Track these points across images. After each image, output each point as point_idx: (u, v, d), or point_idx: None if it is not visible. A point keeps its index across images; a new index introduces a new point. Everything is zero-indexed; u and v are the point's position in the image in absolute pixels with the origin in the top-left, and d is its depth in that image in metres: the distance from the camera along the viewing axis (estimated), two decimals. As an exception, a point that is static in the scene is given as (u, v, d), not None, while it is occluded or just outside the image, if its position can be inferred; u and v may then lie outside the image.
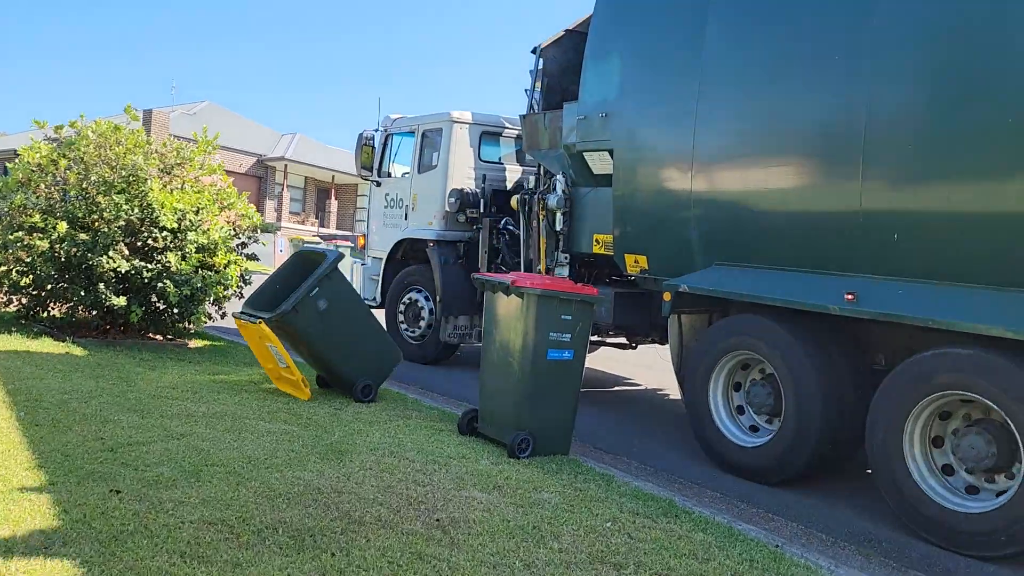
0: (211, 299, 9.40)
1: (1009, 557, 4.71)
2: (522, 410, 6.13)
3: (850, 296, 5.44)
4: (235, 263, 9.60)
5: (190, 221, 9.15)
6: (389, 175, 11.25)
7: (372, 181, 11.33)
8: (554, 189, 8.45)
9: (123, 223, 8.87)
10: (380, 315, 9.86)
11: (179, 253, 9.01)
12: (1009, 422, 4.67)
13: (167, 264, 8.94)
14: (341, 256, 7.39)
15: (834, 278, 5.64)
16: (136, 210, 8.95)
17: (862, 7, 5.47)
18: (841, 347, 5.90)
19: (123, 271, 8.77)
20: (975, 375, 4.78)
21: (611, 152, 7.43)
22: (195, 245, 9.02)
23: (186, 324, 9.69)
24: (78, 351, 8.46)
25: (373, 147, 11.03)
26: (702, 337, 6.83)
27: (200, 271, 9.09)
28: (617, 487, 5.44)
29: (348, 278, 8.16)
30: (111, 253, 8.70)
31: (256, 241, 10.40)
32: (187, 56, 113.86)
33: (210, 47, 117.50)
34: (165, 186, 9.27)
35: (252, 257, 10.42)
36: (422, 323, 10.30)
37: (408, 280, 10.49)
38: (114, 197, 8.85)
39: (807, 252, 5.92)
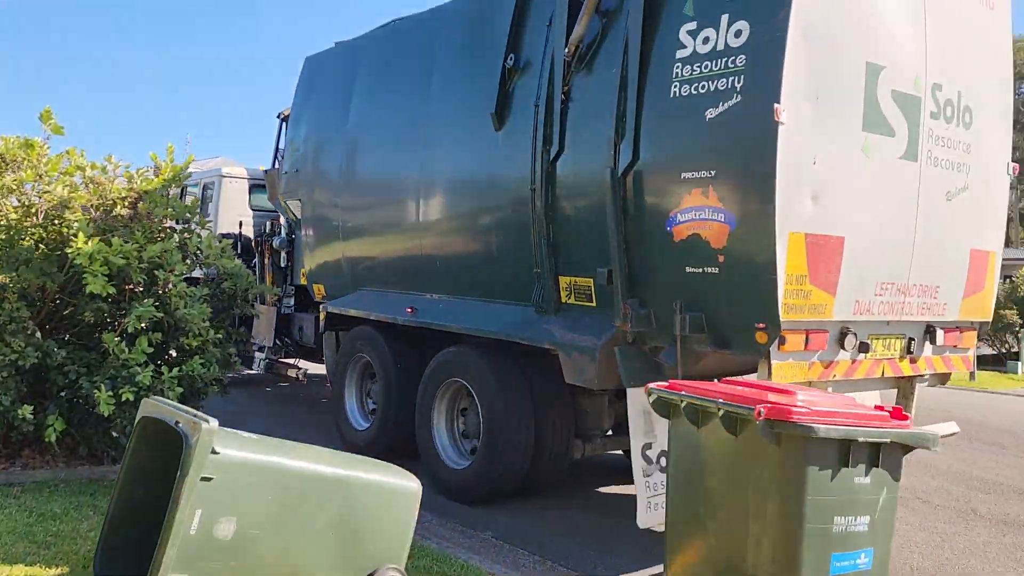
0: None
1: (480, 500, 6.22)
2: None
3: (409, 310, 7.06)
4: (216, 344, 6.33)
5: (140, 281, 5.87)
6: None
7: None
8: (278, 232, 10.68)
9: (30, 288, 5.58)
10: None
11: (116, 335, 5.70)
12: (476, 399, 6.27)
13: (101, 348, 5.68)
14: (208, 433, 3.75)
15: (404, 296, 7.33)
16: (53, 268, 5.67)
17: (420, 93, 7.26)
18: (414, 348, 7.25)
19: (28, 364, 5.47)
20: (458, 366, 6.54)
21: (300, 201, 8.85)
22: (144, 319, 5.68)
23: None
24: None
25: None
26: (341, 347, 8.29)
27: (152, 364, 5.76)
28: None
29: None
30: (6, 336, 5.41)
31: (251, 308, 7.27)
32: (204, 109, 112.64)
33: (227, 101, 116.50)
34: (101, 231, 5.96)
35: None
36: None
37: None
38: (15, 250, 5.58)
39: (396, 277, 7.55)
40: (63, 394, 5.88)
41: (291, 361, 10.55)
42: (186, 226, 6.61)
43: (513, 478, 6.14)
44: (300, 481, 3.83)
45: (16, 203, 5.92)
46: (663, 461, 4.98)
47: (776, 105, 4.44)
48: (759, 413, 2.85)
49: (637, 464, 5.13)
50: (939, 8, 5.23)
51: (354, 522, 3.93)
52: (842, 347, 4.99)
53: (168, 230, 6.44)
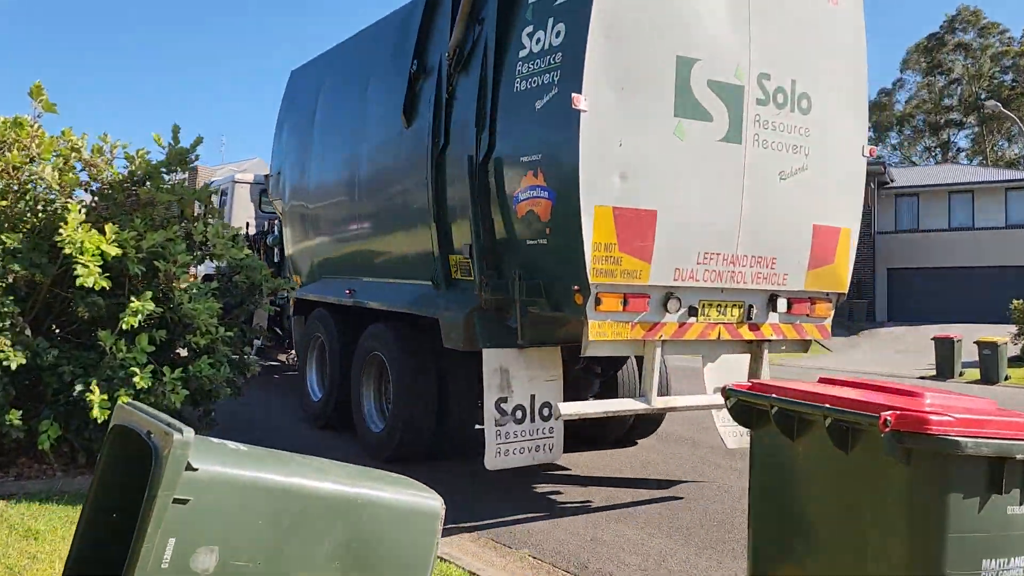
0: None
1: (394, 458, 6.87)
2: None
3: (348, 292, 8.12)
4: (227, 343, 5.76)
5: (138, 273, 5.30)
6: None
7: None
8: (272, 231, 12.16)
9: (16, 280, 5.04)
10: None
11: (114, 333, 5.14)
12: (388, 368, 7.15)
13: (99, 346, 5.12)
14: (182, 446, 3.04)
15: (349, 281, 8.38)
16: (42, 259, 5.12)
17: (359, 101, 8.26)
18: (353, 328, 8.13)
19: (15, 365, 4.94)
20: (377, 339, 7.45)
21: (281, 201, 10.20)
22: (141, 315, 5.09)
23: None
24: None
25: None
26: (304, 328, 9.53)
27: (155, 365, 5.18)
28: None
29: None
30: (-8, 333, 4.89)
31: (270, 301, 6.70)
32: (238, 112, 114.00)
33: (259, 101, 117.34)
34: (97, 219, 5.42)
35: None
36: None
37: None
38: (1, 237, 5.03)
39: (344, 266, 8.65)
40: (59, 397, 5.36)
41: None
42: (199, 216, 6.08)
43: (421, 438, 6.98)
44: (298, 502, 3.14)
45: (3, 187, 5.39)
46: (518, 414, 5.90)
47: (575, 95, 5.12)
48: (885, 422, 2.12)
49: (489, 415, 5.80)
50: (766, 6, 5.79)
51: (363, 550, 3.23)
52: (666, 310, 5.63)
53: (173, 219, 5.88)
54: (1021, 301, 20.58)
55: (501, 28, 5.98)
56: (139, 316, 5.14)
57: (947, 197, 33.24)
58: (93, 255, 4.92)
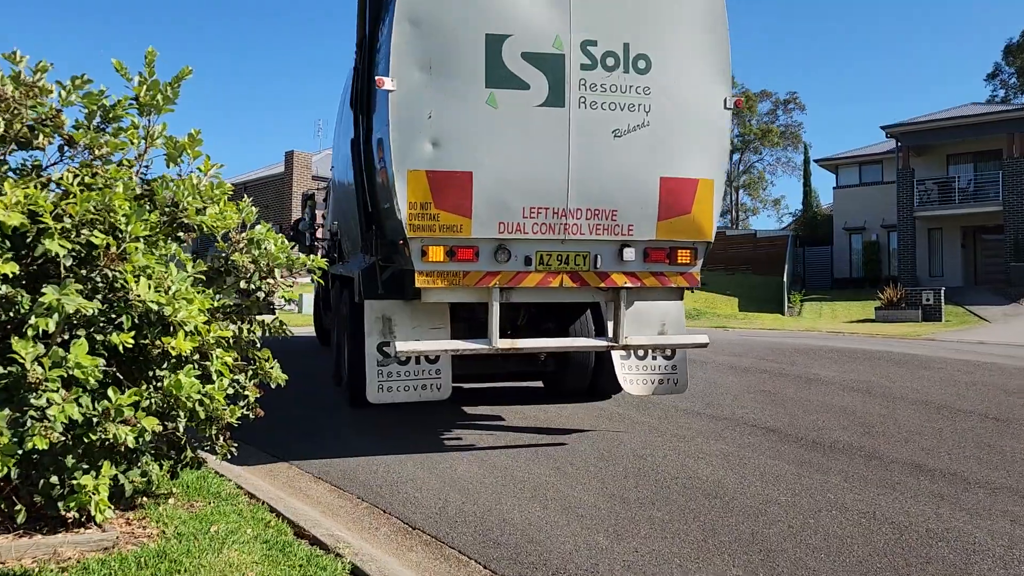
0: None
1: (351, 403, 8.34)
2: None
3: (341, 267, 9.88)
4: (228, 346, 4.19)
5: (61, 251, 3.55)
6: None
7: None
8: (303, 218, 15.28)
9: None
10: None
11: (29, 340, 3.47)
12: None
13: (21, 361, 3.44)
14: None
15: (350, 260, 9.46)
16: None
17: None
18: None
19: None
20: (337, 300, 9.84)
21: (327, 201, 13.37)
22: (59, 315, 3.41)
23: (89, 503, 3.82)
24: None
25: None
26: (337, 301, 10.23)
27: (113, 388, 3.58)
28: None
29: None
30: None
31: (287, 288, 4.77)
32: (334, 98, 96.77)
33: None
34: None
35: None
36: None
37: None
38: None
39: (355, 244, 8.76)
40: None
41: None
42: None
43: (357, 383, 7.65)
44: None
45: None
46: (401, 356, 6.56)
47: (378, 77, 5.97)
48: None
49: (371, 356, 6.71)
50: None
51: None
52: (496, 260, 6.24)
53: (127, 175, 3.96)
54: None
55: (372, 26, 6.89)
56: (56, 316, 3.46)
57: None
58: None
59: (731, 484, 5.94)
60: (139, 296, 3.56)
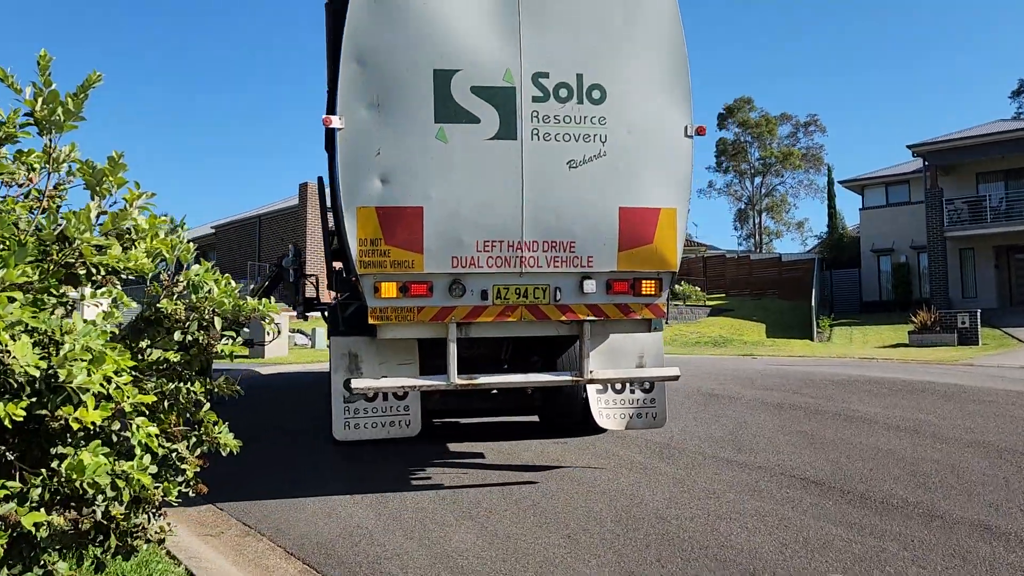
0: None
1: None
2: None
3: None
4: (150, 413, 3.44)
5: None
6: None
7: None
8: (287, 253, 13.46)
9: None
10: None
11: None
12: None
13: None
14: None
15: None
16: None
17: None
18: None
19: None
20: None
21: None
22: None
23: None
24: None
25: None
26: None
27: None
28: None
29: None
30: None
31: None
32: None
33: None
34: None
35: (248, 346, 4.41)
36: None
37: None
38: None
39: None
40: None
41: None
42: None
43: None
44: None
45: None
46: (370, 393, 6.56)
47: (325, 116, 5.99)
48: None
49: (337, 393, 6.66)
50: (541, 12, 6.21)
51: None
52: (452, 293, 6.14)
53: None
54: None
55: (335, 67, 6.38)
56: None
57: None
58: None
59: (771, 555, 5.05)
60: (16, 358, 2.80)
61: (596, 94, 6.31)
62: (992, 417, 9.50)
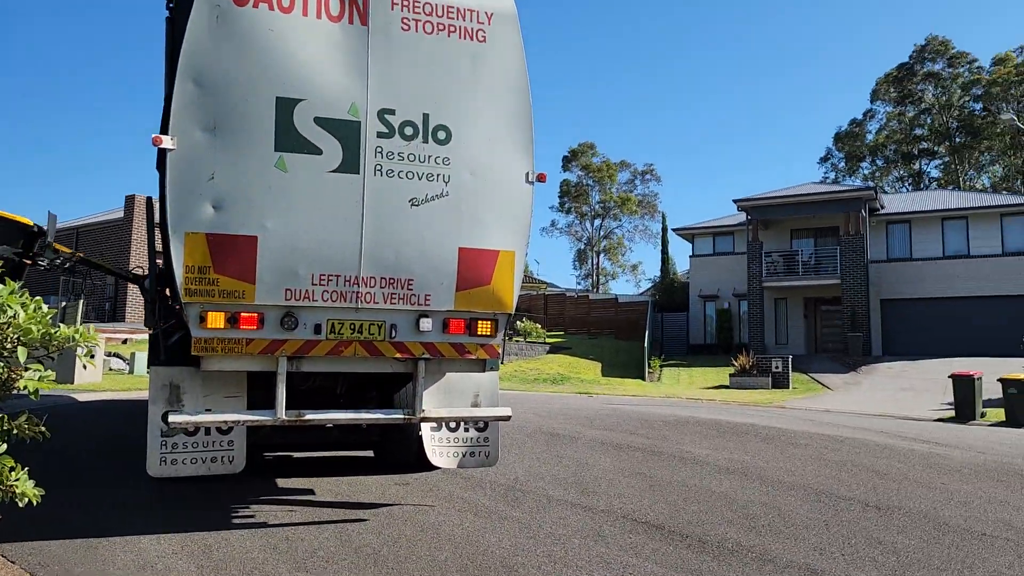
0: None
1: None
2: None
3: None
4: None
5: None
6: None
7: None
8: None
9: None
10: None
11: None
12: None
13: None
14: None
15: None
16: None
17: None
18: None
19: None
20: None
21: None
22: None
23: None
24: None
25: None
26: None
27: None
28: None
29: None
30: None
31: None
32: None
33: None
34: None
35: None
36: None
37: None
38: None
39: None
40: None
41: None
42: None
43: None
44: None
45: None
46: (189, 428, 6.26)
47: (155, 135, 5.68)
48: None
49: (153, 425, 6.27)
50: (390, 49, 6.17)
51: None
52: (284, 326, 5.93)
53: None
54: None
55: (171, 85, 6.19)
56: None
57: (940, 224, 31.63)
58: None
59: (617, 605, 4.96)
60: None
61: (442, 135, 6.32)
62: (809, 460, 10.10)
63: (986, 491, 8.60)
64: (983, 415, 16.69)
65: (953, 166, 57.74)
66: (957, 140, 56.54)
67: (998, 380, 16.48)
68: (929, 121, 58.29)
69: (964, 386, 16.58)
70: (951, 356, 27.55)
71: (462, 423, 7.32)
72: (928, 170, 60.31)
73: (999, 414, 16.60)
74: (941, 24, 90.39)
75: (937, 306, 30.69)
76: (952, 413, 17.17)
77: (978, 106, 55.83)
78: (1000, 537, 6.76)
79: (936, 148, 58.56)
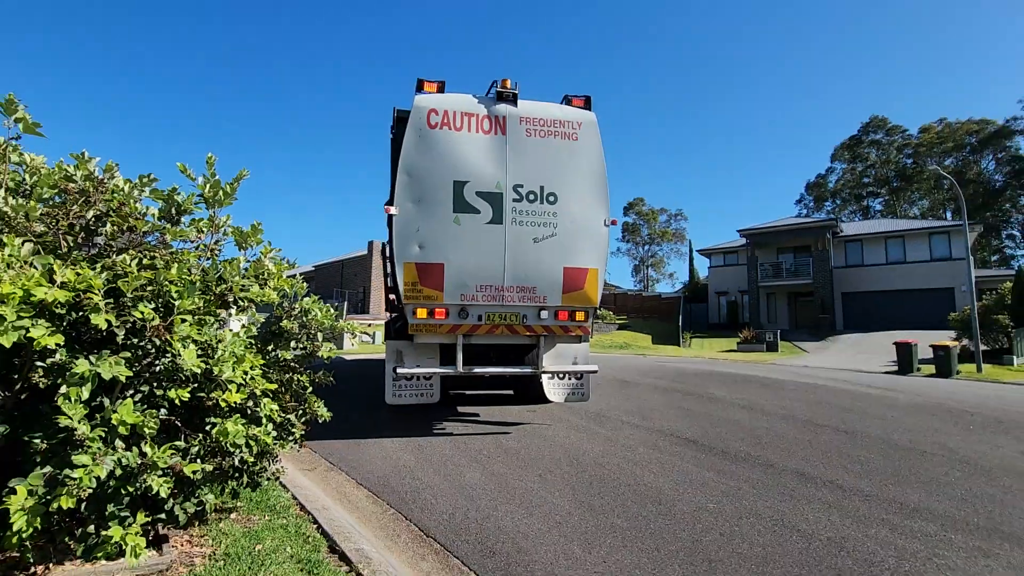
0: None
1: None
2: None
3: None
4: (274, 395, 3.10)
5: (106, 324, 2.49)
6: None
7: None
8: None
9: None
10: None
11: (76, 399, 2.35)
12: None
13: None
14: None
15: None
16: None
17: None
18: None
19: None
20: None
21: None
22: (91, 384, 2.33)
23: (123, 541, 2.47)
24: None
25: None
26: None
27: (150, 443, 2.47)
28: None
29: None
30: None
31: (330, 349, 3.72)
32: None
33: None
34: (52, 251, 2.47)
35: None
36: None
37: None
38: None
39: None
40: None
41: None
42: (207, 246, 3.08)
43: None
44: None
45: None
46: (409, 375, 6.29)
47: (386, 205, 6.03)
48: None
49: (388, 374, 6.38)
50: (521, 148, 6.23)
51: None
52: (459, 317, 6.05)
53: (183, 256, 2.94)
54: (957, 313, 17.90)
55: (394, 174, 6.29)
56: (89, 385, 2.39)
57: (884, 241, 30.15)
58: (19, 303, 2.10)
59: (669, 491, 4.79)
60: (184, 360, 2.53)
61: (552, 198, 6.33)
62: (795, 399, 9.35)
63: (925, 422, 7.68)
64: (918, 370, 15.27)
65: (892, 202, 53.71)
66: (895, 184, 52.49)
67: (930, 346, 14.99)
68: (874, 173, 54.37)
69: (904, 350, 15.35)
70: (893, 330, 25.39)
71: (567, 374, 7.22)
72: (874, 205, 55.90)
73: (930, 369, 15.35)
74: (880, 98, 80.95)
75: (882, 297, 28.72)
76: (896, 368, 15.70)
77: (910, 160, 52.12)
78: (936, 454, 6.02)
79: (879, 191, 54.45)
